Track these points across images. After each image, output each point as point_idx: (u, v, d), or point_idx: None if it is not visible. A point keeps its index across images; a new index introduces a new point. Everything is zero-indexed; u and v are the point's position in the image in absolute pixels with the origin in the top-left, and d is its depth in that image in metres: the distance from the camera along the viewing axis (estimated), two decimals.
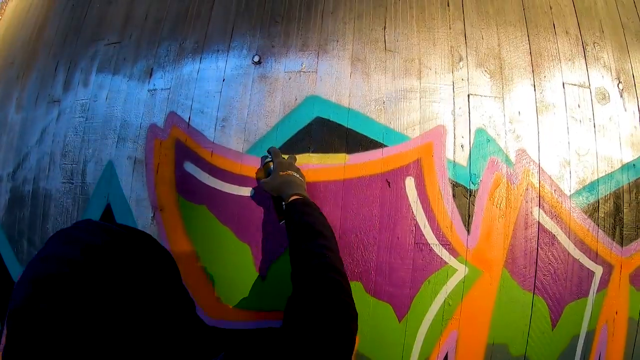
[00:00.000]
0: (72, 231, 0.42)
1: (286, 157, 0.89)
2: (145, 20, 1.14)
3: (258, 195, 0.93)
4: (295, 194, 0.78)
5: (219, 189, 0.95)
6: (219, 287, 0.92)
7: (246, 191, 0.93)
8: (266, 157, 0.90)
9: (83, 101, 1.15)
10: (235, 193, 0.94)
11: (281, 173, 0.81)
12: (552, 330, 0.86)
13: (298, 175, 0.83)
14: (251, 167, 0.94)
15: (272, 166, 0.85)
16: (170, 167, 1.00)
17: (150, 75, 1.07)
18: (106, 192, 1.06)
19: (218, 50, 1.03)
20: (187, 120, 1.00)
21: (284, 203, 0.80)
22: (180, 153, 0.99)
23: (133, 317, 0.36)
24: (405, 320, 0.85)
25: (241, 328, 0.89)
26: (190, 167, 0.98)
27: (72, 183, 1.12)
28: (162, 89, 1.05)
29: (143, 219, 1.01)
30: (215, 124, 0.98)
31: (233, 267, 0.92)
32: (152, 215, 1.00)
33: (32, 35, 1.37)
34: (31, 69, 1.30)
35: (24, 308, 0.34)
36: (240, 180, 0.94)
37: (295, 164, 0.88)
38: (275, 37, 1.00)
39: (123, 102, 1.09)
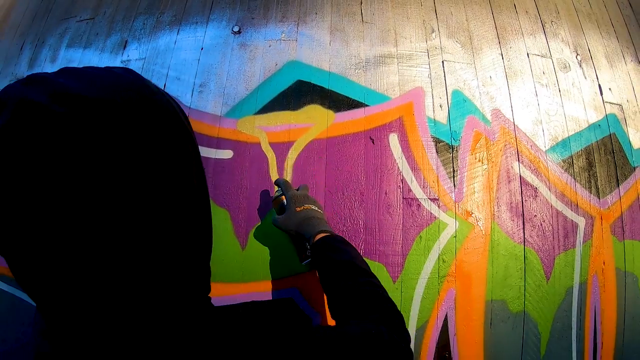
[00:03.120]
0: (80, 69, 0.30)
1: (297, 188, 0.79)
2: None
3: (237, 157, 0.88)
4: (322, 232, 0.68)
5: None
6: None
7: (224, 154, 0.88)
8: (275, 192, 0.78)
9: None
10: (213, 157, 0.88)
11: (298, 209, 0.71)
12: (547, 283, 0.83)
13: (316, 207, 0.73)
14: (229, 129, 0.89)
15: (284, 200, 0.74)
16: None
17: (125, 47, 1.04)
18: None
19: (197, 22, 1.02)
20: (162, 87, 0.96)
21: (307, 243, 0.70)
22: None
23: (137, 195, 0.27)
24: (400, 280, 0.80)
25: (224, 304, 0.79)
26: None
27: None
28: (136, 59, 1.01)
29: None
30: (193, 90, 0.94)
31: None
32: None
33: None
34: None
35: None
36: (217, 143, 0.89)
37: (308, 193, 0.77)
38: (255, 10, 1.01)
39: None
